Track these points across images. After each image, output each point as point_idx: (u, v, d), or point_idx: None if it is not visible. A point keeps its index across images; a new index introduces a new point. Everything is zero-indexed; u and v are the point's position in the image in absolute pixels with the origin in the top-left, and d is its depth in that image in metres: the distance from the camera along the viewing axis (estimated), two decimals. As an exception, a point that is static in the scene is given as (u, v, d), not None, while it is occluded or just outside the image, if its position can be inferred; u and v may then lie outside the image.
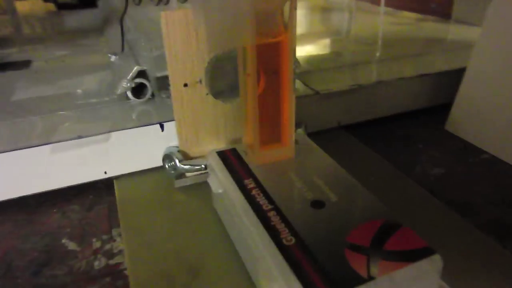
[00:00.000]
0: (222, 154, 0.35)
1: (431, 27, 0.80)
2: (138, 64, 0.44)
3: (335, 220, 0.26)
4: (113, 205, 0.40)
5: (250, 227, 0.27)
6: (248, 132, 0.34)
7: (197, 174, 0.42)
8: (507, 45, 0.44)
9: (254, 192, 0.30)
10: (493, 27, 0.46)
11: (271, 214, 0.27)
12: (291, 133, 0.34)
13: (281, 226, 0.26)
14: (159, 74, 0.42)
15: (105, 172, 0.42)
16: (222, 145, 0.43)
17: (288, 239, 0.25)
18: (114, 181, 0.43)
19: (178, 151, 0.42)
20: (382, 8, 0.73)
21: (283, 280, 0.22)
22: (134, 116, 0.43)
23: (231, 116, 0.42)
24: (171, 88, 0.38)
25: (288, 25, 0.29)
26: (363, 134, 0.52)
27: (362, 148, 0.49)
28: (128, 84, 0.44)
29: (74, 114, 0.43)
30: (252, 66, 0.29)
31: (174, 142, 0.44)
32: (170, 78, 0.38)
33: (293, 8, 0.28)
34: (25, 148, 0.38)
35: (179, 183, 0.41)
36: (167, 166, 0.41)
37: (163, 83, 0.43)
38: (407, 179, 0.42)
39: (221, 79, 0.40)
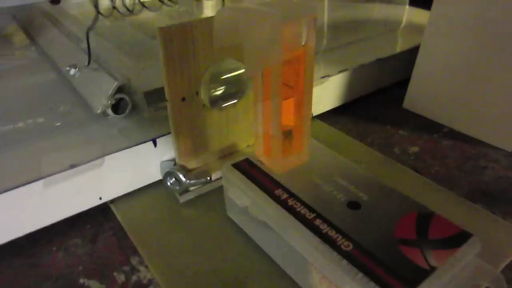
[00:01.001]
0: (237, 166, 0.35)
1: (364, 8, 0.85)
2: (114, 78, 0.41)
3: (376, 218, 0.29)
4: (119, 231, 0.38)
5: (302, 240, 0.28)
6: (265, 143, 0.34)
7: (200, 187, 0.41)
8: (456, 23, 0.49)
9: (290, 202, 0.30)
10: (443, 5, 0.50)
11: (318, 222, 0.28)
12: (307, 139, 0.35)
13: (332, 233, 0.28)
14: (147, 89, 0.40)
15: (100, 198, 0.40)
16: (217, 155, 0.42)
17: (345, 244, 0.27)
18: (110, 205, 0.41)
19: (174, 164, 0.41)
20: None
21: (359, 286, 0.24)
22: (121, 135, 0.41)
23: (224, 125, 0.41)
24: (169, 103, 0.36)
25: (307, 41, 0.29)
26: (333, 121, 0.55)
27: (339, 135, 0.52)
28: (109, 102, 0.41)
29: (55, 141, 0.39)
30: (277, 83, 0.30)
31: (166, 156, 0.42)
32: (167, 93, 0.36)
33: (313, 24, 0.29)
34: (12, 188, 0.34)
35: (184, 198, 0.41)
36: (169, 183, 0.40)
37: (151, 97, 0.41)
38: (394, 162, 0.46)
39: (217, 89, 0.39)
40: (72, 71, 0.48)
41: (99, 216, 0.40)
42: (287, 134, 0.35)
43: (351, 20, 0.74)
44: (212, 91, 0.38)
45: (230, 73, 0.39)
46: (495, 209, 0.39)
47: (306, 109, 0.33)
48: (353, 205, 0.30)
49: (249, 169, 0.34)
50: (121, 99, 0.43)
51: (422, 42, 0.53)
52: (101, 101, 0.41)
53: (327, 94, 0.55)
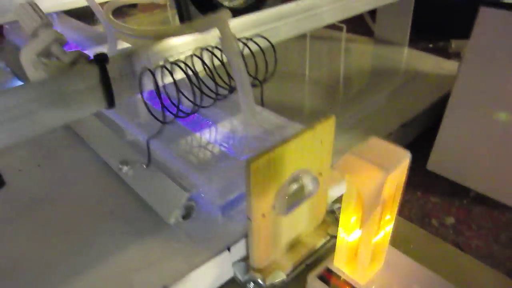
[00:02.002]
0: (322, 278, 0.38)
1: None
2: (184, 188, 0.43)
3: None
4: None
5: None
6: (348, 255, 0.38)
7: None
8: (487, 81, 0.52)
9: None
10: (473, 63, 0.53)
11: None
12: (384, 251, 0.38)
13: None
14: (222, 202, 0.42)
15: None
16: (284, 249, 0.45)
17: None
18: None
19: (247, 264, 0.43)
20: (343, 43, 0.76)
21: None
22: (196, 243, 0.42)
23: (292, 223, 0.44)
24: (251, 221, 0.39)
25: (399, 182, 0.33)
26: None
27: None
28: (181, 212, 0.43)
29: (135, 253, 0.41)
30: (374, 215, 0.33)
31: (236, 256, 0.45)
32: (249, 213, 0.38)
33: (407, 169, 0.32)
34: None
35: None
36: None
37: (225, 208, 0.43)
38: (439, 240, 0.50)
39: (290, 200, 0.42)
40: (125, 169, 0.49)
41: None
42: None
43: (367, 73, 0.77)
44: (286, 202, 0.41)
45: (299, 185, 0.42)
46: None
47: (390, 225, 0.37)
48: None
49: (331, 279, 0.38)
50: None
51: (448, 107, 0.56)
52: (174, 212, 0.43)
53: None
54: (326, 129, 0.41)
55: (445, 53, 0.98)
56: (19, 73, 0.87)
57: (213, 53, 0.42)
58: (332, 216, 0.51)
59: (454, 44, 0.96)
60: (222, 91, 0.44)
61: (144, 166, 0.45)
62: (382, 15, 0.85)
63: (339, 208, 0.51)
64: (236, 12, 0.52)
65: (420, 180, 0.60)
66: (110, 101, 0.43)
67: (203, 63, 0.42)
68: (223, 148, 0.44)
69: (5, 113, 0.36)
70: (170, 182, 0.43)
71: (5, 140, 0.37)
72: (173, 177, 0.44)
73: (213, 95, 0.43)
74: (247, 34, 0.51)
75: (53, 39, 0.41)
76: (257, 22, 0.53)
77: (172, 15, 1.03)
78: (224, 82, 0.45)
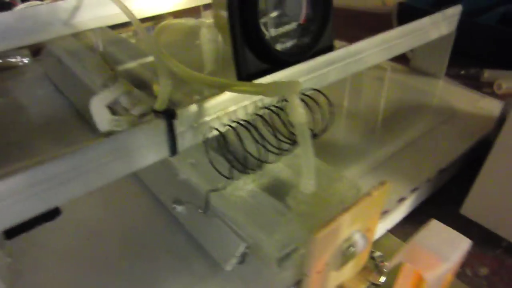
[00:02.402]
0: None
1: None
2: (241, 238, 0.45)
3: None
4: None
5: None
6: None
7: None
8: None
9: None
10: None
11: None
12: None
13: None
14: (279, 255, 0.44)
15: None
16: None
17: None
18: None
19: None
20: (386, 83, 0.76)
21: None
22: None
23: (339, 280, 0.47)
24: (308, 276, 0.42)
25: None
26: (399, 230, 0.61)
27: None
28: (237, 260, 0.46)
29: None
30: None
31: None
32: (305, 269, 0.41)
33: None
34: None
35: None
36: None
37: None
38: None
39: (343, 258, 0.45)
40: (179, 209, 0.52)
41: None
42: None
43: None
44: (340, 260, 0.44)
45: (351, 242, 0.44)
46: None
47: None
48: None
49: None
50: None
51: (491, 154, 0.57)
52: (231, 260, 0.45)
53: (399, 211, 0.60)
54: (382, 194, 0.43)
55: (476, 82, 0.99)
56: (59, 85, 0.90)
57: (278, 115, 0.44)
58: (372, 262, 0.53)
59: (487, 73, 0.96)
60: (283, 145, 0.46)
61: (201, 211, 0.48)
62: (421, 45, 0.86)
63: (381, 255, 0.53)
64: (291, 56, 0.54)
65: (452, 225, 0.62)
66: (174, 150, 0.45)
67: (266, 122, 0.44)
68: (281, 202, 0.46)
69: (81, 167, 0.39)
70: (227, 229, 0.46)
71: (78, 192, 0.40)
72: (230, 224, 0.47)
73: (276, 151, 0.45)
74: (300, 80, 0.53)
75: (123, 91, 0.43)
76: (308, 70, 0.55)
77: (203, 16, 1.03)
78: (283, 135, 0.47)
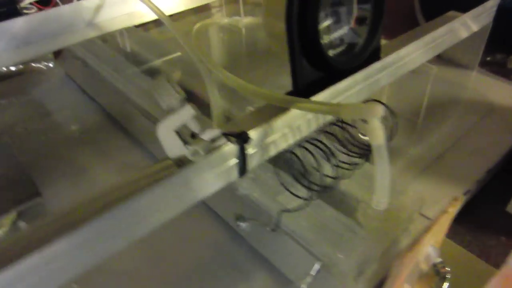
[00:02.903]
0: None
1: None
2: (315, 256, 0.45)
3: None
4: None
5: None
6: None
7: None
8: None
9: None
10: None
11: None
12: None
13: None
14: (355, 273, 0.44)
15: None
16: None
17: None
18: None
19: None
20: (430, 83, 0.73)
21: None
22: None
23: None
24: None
25: None
26: (451, 231, 0.62)
27: (467, 256, 0.59)
28: (311, 279, 0.46)
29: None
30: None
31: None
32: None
33: None
34: None
35: None
36: None
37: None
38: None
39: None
40: (243, 226, 0.51)
41: None
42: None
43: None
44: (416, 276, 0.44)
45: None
46: None
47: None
48: None
49: None
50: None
51: None
52: (305, 279, 0.45)
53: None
54: (455, 208, 0.43)
55: (503, 68, 0.98)
56: (85, 87, 0.87)
57: (347, 131, 0.43)
58: (433, 268, 0.54)
59: (514, 60, 0.95)
60: (355, 160, 0.46)
61: (269, 229, 0.48)
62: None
63: (441, 262, 0.54)
64: (346, 63, 0.53)
65: (501, 223, 0.63)
66: (243, 171, 0.44)
67: (337, 139, 0.44)
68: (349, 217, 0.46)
69: (159, 202, 0.38)
70: (299, 248, 0.46)
71: (153, 225, 0.39)
72: (301, 242, 0.46)
73: (350, 167, 0.45)
74: (355, 89, 0.52)
75: (191, 116, 0.42)
76: (364, 78, 0.53)
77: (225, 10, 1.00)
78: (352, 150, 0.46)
